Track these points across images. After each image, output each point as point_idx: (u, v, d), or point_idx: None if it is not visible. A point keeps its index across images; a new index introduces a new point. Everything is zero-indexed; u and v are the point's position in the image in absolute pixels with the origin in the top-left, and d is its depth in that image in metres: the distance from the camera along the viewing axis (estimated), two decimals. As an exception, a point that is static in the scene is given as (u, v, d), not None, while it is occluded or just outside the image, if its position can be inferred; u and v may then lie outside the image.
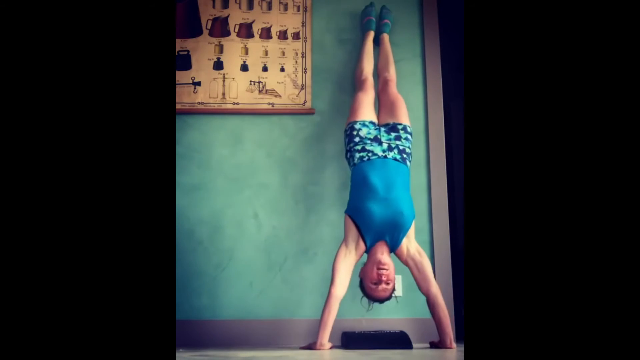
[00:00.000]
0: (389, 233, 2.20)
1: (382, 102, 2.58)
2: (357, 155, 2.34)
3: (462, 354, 1.92)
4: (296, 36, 2.82)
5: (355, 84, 2.70)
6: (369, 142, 2.35)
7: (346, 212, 2.29)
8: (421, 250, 2.26)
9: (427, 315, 2.59)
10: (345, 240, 2.25)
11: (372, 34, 2.75)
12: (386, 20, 2.78)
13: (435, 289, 2.20)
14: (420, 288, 2.24)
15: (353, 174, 2.35)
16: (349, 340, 2.23)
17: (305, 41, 2.82)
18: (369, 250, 2.23)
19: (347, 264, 2.20)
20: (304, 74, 2.78)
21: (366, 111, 2.48)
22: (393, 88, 2.59)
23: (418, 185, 2.70)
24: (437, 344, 2.23)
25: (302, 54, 2.80)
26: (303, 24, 2.83)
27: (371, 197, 2.21)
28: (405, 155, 2.35)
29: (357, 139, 2.38)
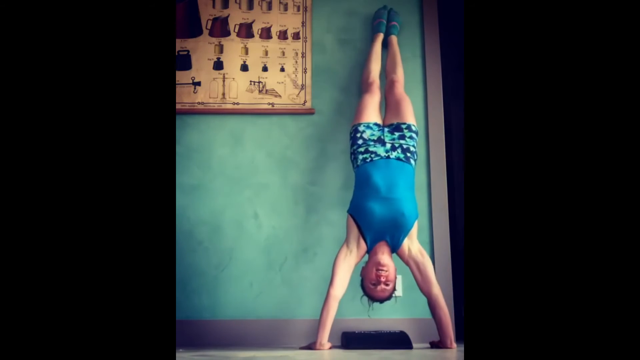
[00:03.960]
0: (389, 233, 2.21)
1: (388, 103, 2.60)
2: (360, 157, 2.35)
3: (462, 354, 1.92)
4: (296, 36, 2.82)
5: (361, 86, 2.71)
6: (372, 143, 2.37)
7: (348, 211, 2.31)
8: (423, 251, 2.27)
9: (427, 315, 2.59)
10: (346, 240, 2.27)
11: (381, 37, 2.77)
12: (394, 23, 2.80)
13: (436, 289, 2.20)
14: (421, 289, 2.24)
15: (356, 175, 2.37)
16: (349, 340, 2.23)
17: (305, 41, 2.82)
18: (369, 250, 2.25)
19: (347, 265, 2.21)
20: (304, 74, 2.78)
21: (370, 113, 2.50)
22: (400, 89, 2.60)
23: (418, 185, 2.70)
24: (437, 344, 2.23)
25: (302, 54, 2.80)
26: (303, 24, 2.83)
27: (372, 197, 2.23)
28: (409, 154, 2.34)
29: (360, 141, 2.39)
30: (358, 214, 2.25)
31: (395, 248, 2.23)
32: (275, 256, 2.62)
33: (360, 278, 2.25)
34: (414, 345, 2.35)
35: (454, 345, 2.19)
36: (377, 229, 2.21)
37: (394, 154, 2.32)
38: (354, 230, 2.25)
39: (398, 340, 2.19)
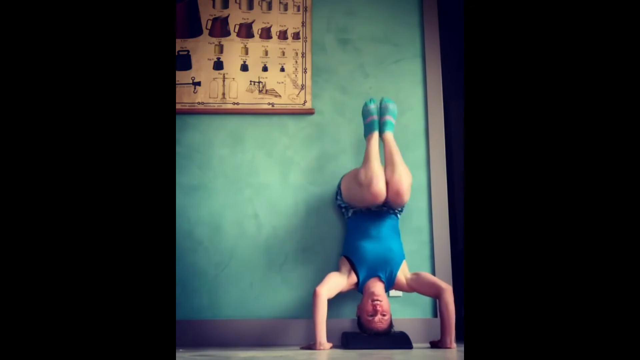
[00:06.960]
0: (381, 269, 2.34)
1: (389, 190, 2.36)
2: (352, 210, 2.52)
3: (462, 354, 1.92)
4: (296, 36, 2.82)
5: (358, 181, 2.39)
6: None
7: (342, 253, 2.47)
8: (417, 272, 2.39)
9: (427, 315, 2.59)
10: (338, 270, 2.42)
11: (376, 135, 2.49)
12: (387, 117, 2.52)
13: (444, 287, 2.26)
14: (433, 296, 2.31)
15: (348, 224, 2.52)
16: (349, 340, 2.23)
17: (305, 41, 2.82)
18: (362, 285, 2.34)
19: (338, 279, 2.33)
20: (304, 74, 2.78)
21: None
22: (405, 197, 2.35)
23: (418, 185, 2.70)
24: (437, 344, 2.24)
25: (302, 54, 2.80)
26: (303, 24, 2.83)
27: (363, 237, 2.40)
28: (395, 210, 2.51)
29: None
30: (351, 253, 2.40)
31: (390, 283, 2.35)
32: (275, 256, 2.62)
33: (356, 318, 2.32)
34: (414, 345, 2.36)
35: (454, 345, 2.20)
36: (370, 265, 2.34)
37: (383, 208, 2.48)
38: (347, 265, 2.39)
39: (398, 340, 2.20)
